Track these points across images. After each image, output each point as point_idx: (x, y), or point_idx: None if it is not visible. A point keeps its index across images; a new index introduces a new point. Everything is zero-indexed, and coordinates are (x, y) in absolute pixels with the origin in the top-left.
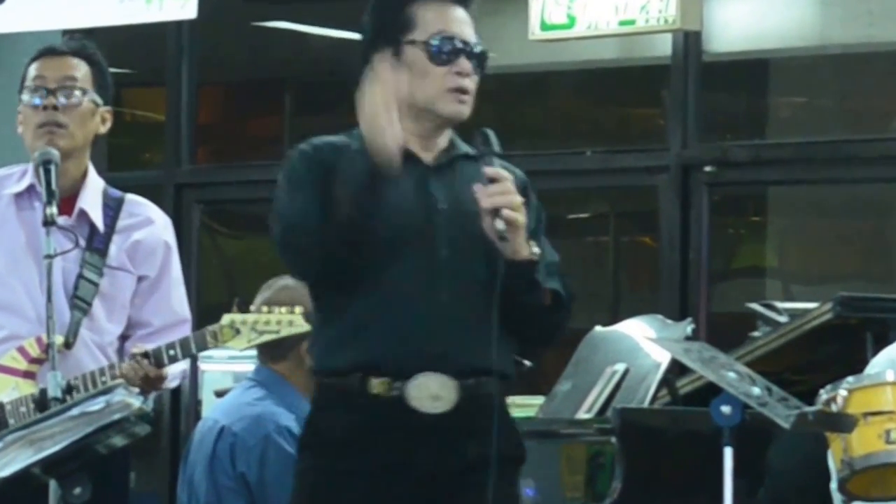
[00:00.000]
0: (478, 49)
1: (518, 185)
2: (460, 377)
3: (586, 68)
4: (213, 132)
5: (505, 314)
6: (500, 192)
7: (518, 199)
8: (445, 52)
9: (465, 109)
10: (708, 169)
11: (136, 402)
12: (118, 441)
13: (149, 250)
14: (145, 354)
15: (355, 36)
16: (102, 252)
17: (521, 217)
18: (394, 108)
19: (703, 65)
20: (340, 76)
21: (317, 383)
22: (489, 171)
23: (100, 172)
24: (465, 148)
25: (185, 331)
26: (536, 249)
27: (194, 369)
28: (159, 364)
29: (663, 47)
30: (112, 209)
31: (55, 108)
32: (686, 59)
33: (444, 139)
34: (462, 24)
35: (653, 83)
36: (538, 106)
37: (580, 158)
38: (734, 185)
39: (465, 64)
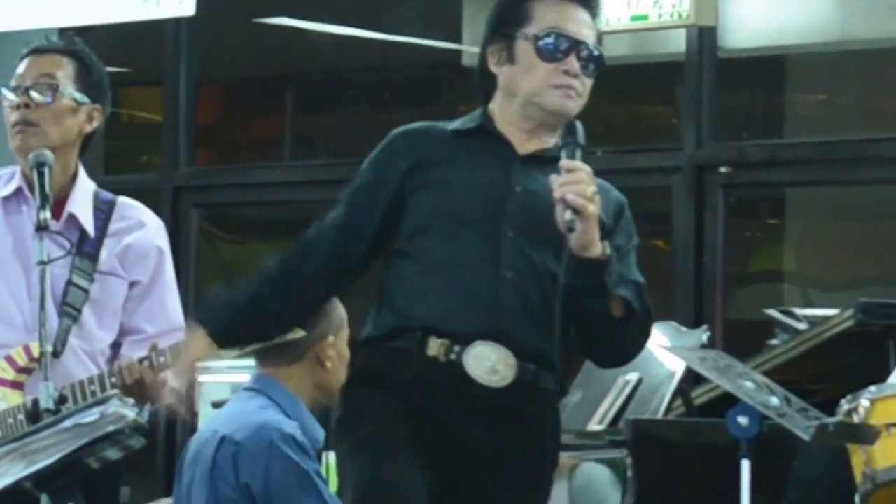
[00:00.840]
0: (594, 51)
1: (613, 201)
2: (521, 357)
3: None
4: (212, 133)
5: (571, 316)
6: (572, 182)
7: (591, 189)
8: (553, 48)
9: (570, 104)
10: (723, 169)
11: (130, 413)
12: (112, 454)
13: (140, 255)
14: (141, 359)
15: (359, 32)
16: (93, 257)
17: (591, 206)
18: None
19: (719, 61)
20: (344, 74)
21: (366, 351)
22: (565, 162)
23: (95, 175)
24: (563, 154)
25: (179, 338)
26: (608, 250)
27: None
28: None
29: (677, 43)
30: (103, 212)
31: (27, 105)
32: (701, 56)
33: (551, 138)
34: (580, 24)
35: (666, 80)
36: None
37: (591, 158)
38: (750, 186)
39: (573, 63)
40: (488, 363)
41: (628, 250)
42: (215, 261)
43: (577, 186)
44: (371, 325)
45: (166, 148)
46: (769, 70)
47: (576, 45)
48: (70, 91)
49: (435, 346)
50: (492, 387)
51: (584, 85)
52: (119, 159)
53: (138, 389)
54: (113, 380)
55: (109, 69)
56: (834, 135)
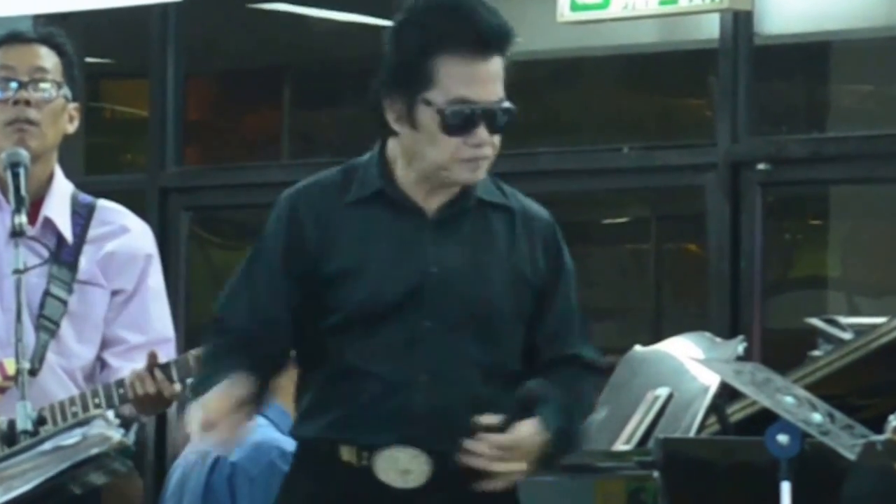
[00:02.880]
0: (504, 114)
1: (539, 232)
2: (432, 453)
3: (623, 54)
4: (202, 129)
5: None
6: (503, 461)
7: (521, 467)
8: (462, 123)
9: (479, 175)
10: (761, 166)
11: (115, 434)
12: (96, 479)
13: (124, 262)
14: (159, 366)
15: (361, 19)
16: (71, 265)
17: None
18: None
19: (755, 49)
20: (345, 64)
21: (296, 447)
22: (503, 439)
23: (75, 176)
24: (479, 192)
25: (168, 351)
26: (547, 434)
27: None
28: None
29: (710, 29)
30: (82, 217)
31: (27, 102)
32: (736, 43)
33: (450, 190)
34: (487, 82)
35: (698, 70)
36: (569, 97)
37: (617, 156)
38: (791, 184)
39: (482, 134)
40: (398, 465)
41: (564, 293)
42: (207, 268)
43: (508, 466)
44: (297, 416)
45: (152, 146)
46: (811, 58)
47: (486, 115)
48: (64, 88)
49: (346, 453)
50: (406, 488)
51: (495, 146)
52: (101, 158)
53: (150, 402)
54: (122, 391)
55: (90, 60)
56: (881, 128)
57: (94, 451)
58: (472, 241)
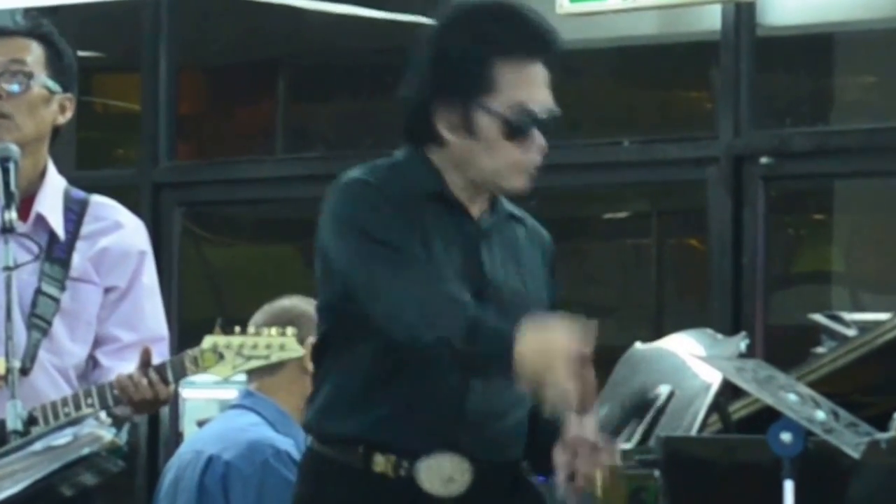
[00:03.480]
0: (557, 118)
1: (548, 246)
2: (475, 462)
3: (623, 45)
4: (195, 123)
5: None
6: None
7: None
8: (524, 128)
9: (528, 183)
10: (764, 160)
11: (107, 434)
12: (88, 479)
13: (118, 259)
14: (153, 366)
15: (358, 11)
16: (64, 262)
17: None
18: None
19: (758, 40)
20: (343, 57)
21: (308, 450)
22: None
23: (66, 171)
24: (506, 204)
25: (162, 350)
26: None
27: (175, 396)
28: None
29: (711, 20)
30: (75, 213)
31: None
32: (738, 34)
33: (489, 195)
34: (541, 87)
35: (700, 62)
36: (567, 90)
37: (616, 149)
38: (794, 178)
39: (539, 139)
40: (442, 473)
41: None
42: (200, 265)
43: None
44: (315, 409)
45: (145, 141)
46: (815, 49)
47: (545, 121)
48: (42, 79)
49: (381, 463)
50: (450, 496)
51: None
52: (93, 153)
53: (148, 405)
54: (116, 392)
55: (81, 54)
56: (887, 121)
57: (86, 450)
58: (511, 250)
